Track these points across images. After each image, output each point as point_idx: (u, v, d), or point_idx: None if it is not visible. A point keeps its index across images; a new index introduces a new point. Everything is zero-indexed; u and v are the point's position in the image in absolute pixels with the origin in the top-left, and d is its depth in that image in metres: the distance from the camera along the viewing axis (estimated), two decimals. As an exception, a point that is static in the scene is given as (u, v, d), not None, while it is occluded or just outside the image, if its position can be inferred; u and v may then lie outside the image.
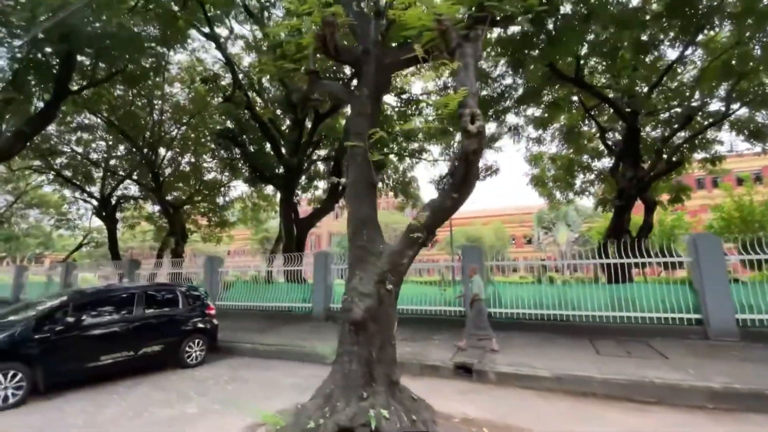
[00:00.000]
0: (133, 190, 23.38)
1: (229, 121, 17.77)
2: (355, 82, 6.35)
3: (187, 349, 6.82)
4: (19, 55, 7.73)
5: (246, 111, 14.79)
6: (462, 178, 3.25)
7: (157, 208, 24.23)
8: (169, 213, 17.29)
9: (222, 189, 23.16)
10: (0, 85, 7.64)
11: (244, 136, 15.31)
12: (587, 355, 6.79)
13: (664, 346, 7.28)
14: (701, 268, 8.01)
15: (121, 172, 19.94)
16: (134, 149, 16.43)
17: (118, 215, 22.23)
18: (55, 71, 8.15)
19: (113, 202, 21.16)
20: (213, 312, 7.54)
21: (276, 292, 12.52)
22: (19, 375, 4.87)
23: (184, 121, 18.01)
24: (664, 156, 12.85)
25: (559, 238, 39.40)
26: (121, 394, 5.41)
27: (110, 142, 19.79)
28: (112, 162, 20.26)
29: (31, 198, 24.46)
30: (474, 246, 9.71)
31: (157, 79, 13.29)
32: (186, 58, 15.87)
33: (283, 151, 14.64)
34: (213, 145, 19.16)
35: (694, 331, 7.98)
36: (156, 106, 16.62)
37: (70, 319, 5.40)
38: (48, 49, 7.76)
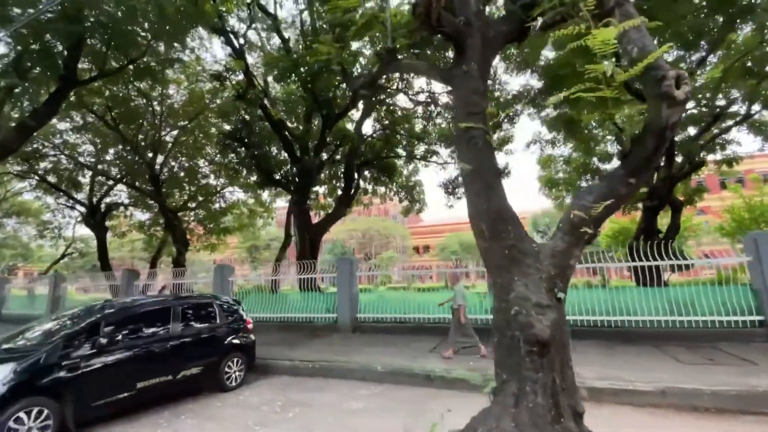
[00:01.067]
0: (123, 196, 22.09)
1: (227, 123, 16.92)
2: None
3: (226, 369, 5.97)
4: (19, 37, 6.81)
5: (254, 110, 14.00)
6: (647, 159, 2.67)
7: (147, 216, 23.00)
8: (169, 219, 16.14)
9: (219, 194, 22.09)
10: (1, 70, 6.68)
11: (253, 138, 14.43)
12: (667, 363, 6.29)
13: (737, 350, 6.86)
14: (763, 267, 7.67)
15: (112, 177, 18.62)
16: (132, 151, 15.29)
17: (107, 223, 20.83)
18: (61, 58, 7.24)
19: (103, 209, 19.81)
20: (251, 326, 6.70)
21: (296, 301, 11.66)
22: (46, 412, 3.97)
23: (186, 122, 16.98)
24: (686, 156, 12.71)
25: (554, 242, 39.54)
26: (165, 429, 4.55)
27: (99, 145, 18.55)
28: (103, 166, 18.94)
29: (10, 206, 22.72)
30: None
31: (169, 73, 12.28)
32: (185, 57, 14.86)
33: (297, 153, 13.83)
34: (215, 148, 18.22)
35: (758, 333, 7.60)
36: (156, 105, 15.53)
37: (103, 340, 4.52)
38: (55, 32, 6.85)
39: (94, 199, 19.56)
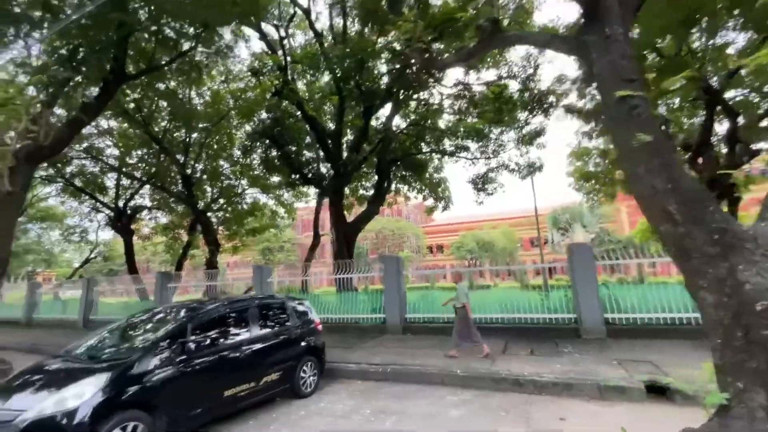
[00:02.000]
0: (146, 199, 21.94)
1: (253, 123, 16.62)
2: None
3: (301, 374, 5.58)
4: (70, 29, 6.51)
5: (287, 107, 13.66)
6: None
7: (168, 218, 22.81)
8: (201, 220, 15.88)
9: (241, 196, 21.81)
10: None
11: (285, 136, 14.08)
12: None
13: None
14: None
15: (140, 179, 18.44)
16: (163, 151, 15.04)
17: (133, 226, 20.68)
18: (112, 51, 6.92)
19: (129, 212, 19.67)
20: (320, 328, 6.31)
21: (341, 302, 11.26)
22: (141, 427, 3.59)
23: (209, 123, 16.69)
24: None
25: (575, 239, 38.71)
26: (260, 442, 4.15)
27: (123, 148, 18.38)
28: (128, 168, 18.76)
29: (36, 211, 22.69)
30: (584, 244, 8.68)
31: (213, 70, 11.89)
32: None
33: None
34: (240, 148, 17.96)
35: None
36: (187, 104, 15.26)
37: (192, 345, 4.14)
38: (106, 23, 6.53)
39: (120, 203, 19.45)
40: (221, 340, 4.58)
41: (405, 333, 9.95)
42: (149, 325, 4.55)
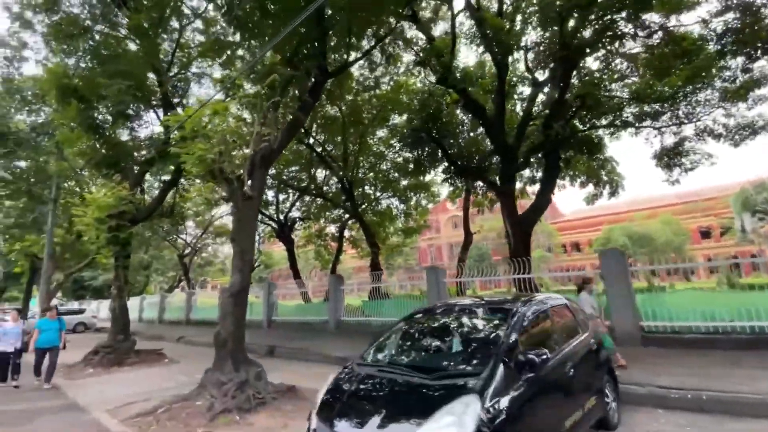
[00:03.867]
0: (298, 211, 23.71)
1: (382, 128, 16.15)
2: None
3: (606, 399, 4.22)
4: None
5: (445, 96, 12.78)
6: None
7: (316, 227, 24.29)
8: (364, 223, 16.15)
9: (378, 200, 21.94)
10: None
11: (442, 128, 13.22)
12: None
13: None
14: None
15: (301, 190, 19.80)
16: (322, 162, 15.66)
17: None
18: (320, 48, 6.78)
19: (288, 223, 21.37)
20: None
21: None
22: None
23: (363, 128, 16.82)
24: None
25: (783, 224, 29.86)
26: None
27: (280, 164, 19.96)
28: (289, 182, 20.35)
29: (215, 228, 26.55)
30: None
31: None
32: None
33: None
34: (389, 150, 17.92)
35: None
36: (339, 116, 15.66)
37: (534, 358, 3.10)
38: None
39: (281, 215, 21.26)
40: (547, 353, 3.49)
41: (647, 346, 7.85)
42: (458, 329, 3.71)
